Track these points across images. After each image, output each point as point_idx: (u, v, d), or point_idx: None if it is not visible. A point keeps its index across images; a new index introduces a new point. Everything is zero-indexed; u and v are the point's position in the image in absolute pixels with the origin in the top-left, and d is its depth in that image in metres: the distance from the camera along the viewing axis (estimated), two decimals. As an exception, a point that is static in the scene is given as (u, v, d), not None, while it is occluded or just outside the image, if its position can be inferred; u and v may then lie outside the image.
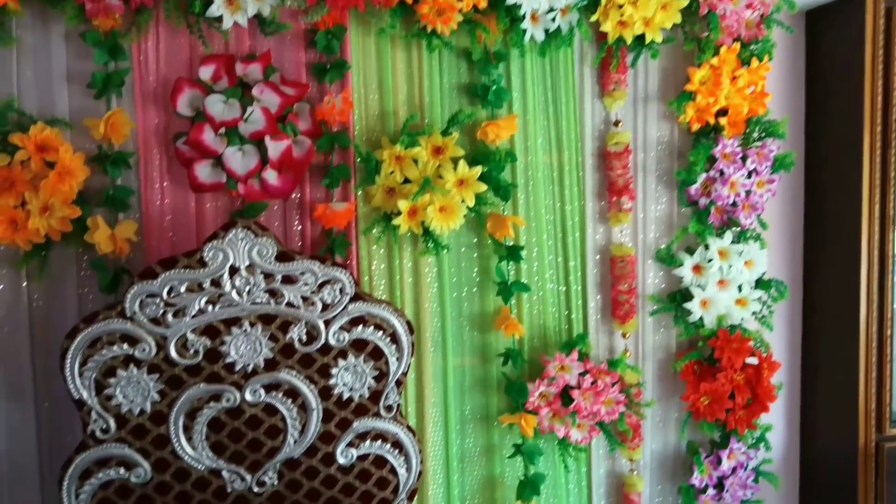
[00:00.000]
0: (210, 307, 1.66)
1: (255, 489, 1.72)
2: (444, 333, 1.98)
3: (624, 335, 2.10)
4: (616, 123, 2.04)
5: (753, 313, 2.09)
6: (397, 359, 1.75)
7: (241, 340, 1.67)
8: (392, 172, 1.84)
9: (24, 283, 1.78)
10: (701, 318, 2.06)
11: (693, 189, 2.04)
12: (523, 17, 1.86)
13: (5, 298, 1.78)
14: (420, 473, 1.82)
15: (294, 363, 1.70)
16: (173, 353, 1.65)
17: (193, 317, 1.65)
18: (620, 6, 1.88)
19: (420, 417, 1.98)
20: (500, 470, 2.06)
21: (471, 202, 1.86)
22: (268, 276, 1.67)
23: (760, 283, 2.09)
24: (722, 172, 2.01)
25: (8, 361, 1.79)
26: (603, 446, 2.11)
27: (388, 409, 1.76)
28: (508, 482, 2.06)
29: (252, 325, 1.67)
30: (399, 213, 1.83)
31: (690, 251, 2.07)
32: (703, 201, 2.04)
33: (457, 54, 1.94)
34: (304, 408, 1.71)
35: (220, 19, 1.74)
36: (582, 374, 1.96)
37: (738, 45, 1.98)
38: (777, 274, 2.17)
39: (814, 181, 2.21)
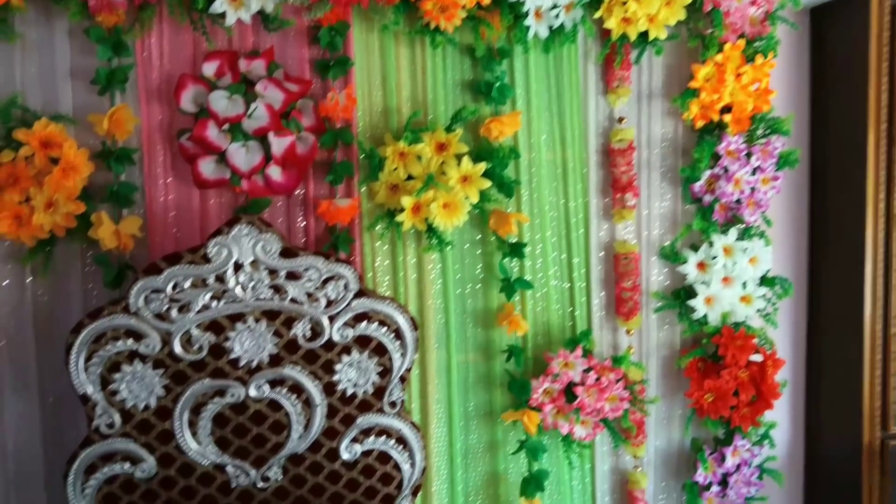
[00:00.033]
0: (214, 303, 1.66)
1: (260, 484, 1.72)
2: (447, 330, 1.98)
3: (628, 332, 2.09)
4: (620, 120, 2.04)
5: (758, 310, 2.08)
6: (401, 355, 1.75)
7: (246, 336, 1.68)
8: (395, 169, 1.84)
9: (29, 279, 1.79)
10: (705, 315, 2.06)
11: (697, 186, 2.03)
12: (527, 13, 1.86)
13: (10, 294, 1.78)
14: (424, 469, 1.82)
15: (298, 359, 1.70)
16: (178, 349, 1.65)
17: (198, 312, 1.65)
18: (624, 3, 1.88)
19: (424, 414, 1.98)
20: (504, 466, 2.06)
21: (474, 199, 1.86)
22: (272, 272, 1.67)
23: (765, 281, 2.09)
24: (726, 169, 2.01)
25: (13, 357, 1.79)
26: (607, 443, 2.11)
27: (392, 405, 1.77)
28: (512, 479, 2.06)
29: (256, 320, 1.68)
30: (403, 210, 1.83)
31: (695, 248, 2.07)
32: (707, 198, 2.04)
33: (460, 51, 1.94)
34: (308, 403, 1.71)
35: (223, 15, 1.74)
36: (586, 371, 1.96)
37: (742, 42, 1.97)
38: (781, 271, 2.17)
39: (818, 178, 2.21)
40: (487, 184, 1.86)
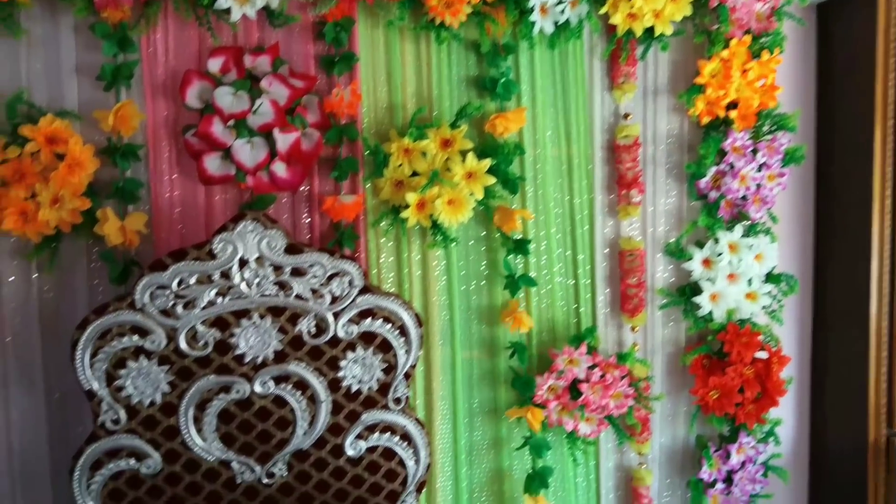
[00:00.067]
0: (220, 299, 1.66)
1: (265, 480, 1.73)
2: (452, 326, 1.98)
3: (633, 329, 2.09)
4: (625, 116, 2.03)
5: (763, 307, 2.08)
6: (406, 351, 1.75)
7: (251, 332, 1.68)
8: (400, 165, 1.84)
9: (35, 275, 1.79)
10: (710, 312, 2.06)
11: (703, 182, 2.03)
12: (532, 9, 1.85)
13: (16, 290, 1.79)
14: (429, 466, 1.82)
15: (303, 355, 1.70)
16: (183, 345, 1.66)
17: (203, 308, 1.65)
18: (630, -2, 1.88)
19: (428, 410, 1.98)
20: (509, 463, 2.06)
21: (479, 195, 1.85)
22: (277, 268, 1.67)
23: (770, 277, 2.08)
24: (732, 166, 2.00)
25: (19, 353, 1.80)
26: (611, 440, 2.11)
27: (397, 401, 1.77)
28: (517, 475, 2.06)
29: (261, 317, 1.68)
30: (407, 206, 1.83)
31: (700, 245, 2.06)
32: (712, 195, 2.03)
33: (465, 47, 1.94)
34: (313, 400, 1.72)
35: (228, 11, 1.74)
36: (591, 368, 1.96)
37: (748, 38, 1.96)
38: (787, 268, 2.16)
39: (824, 175, 2.20)
40: (492, 180, 1.86)
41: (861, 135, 2.04)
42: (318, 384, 1.71)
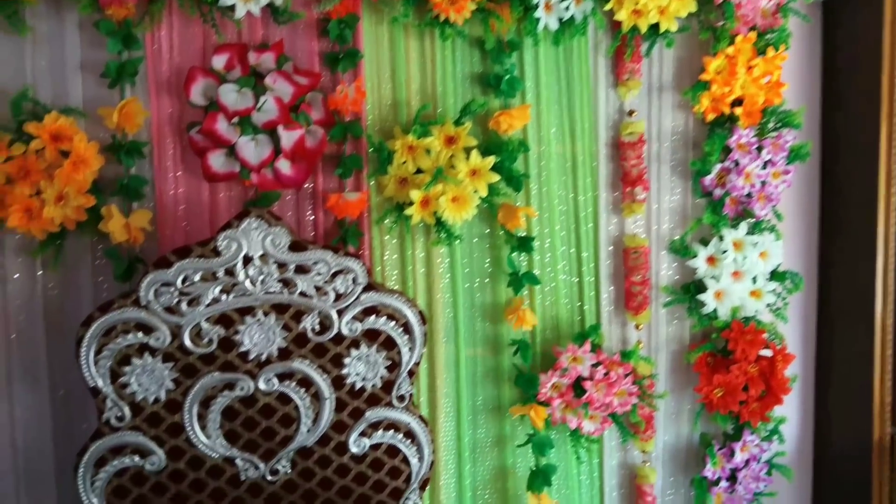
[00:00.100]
0: (224, 296, 1.66)
1: (269, 477, 1.73)
2: (456, 324, 1.98)
3: (637, 326, 2.09)
4: (630, 113, 2.03)
5: (768, 305, 2.07)
6: (410, 349, 1.75)
7: (255, 329, 1.68)
8: (404, 162, 1.84)
9: (39, 272, 1.79)
10: (715, 310, 2.05)
11: (708, 180, 2.02)
12: (537, 5, 1.85)
13: (21, 287, 1.79)
14: (432, 463, 1.82)
15: (307, 352, 1.71)
16: (188, 342, 1.66)
17: (207, 306, 1.65)
18: (635, -6, 1.87)
19: (432, 407, 1.98)
20: (512, 461, 2.06)
21: (483, 192, 1.85)
22: (281, 265, 1.67)
23: (775, 275, 2.08)
24: (737, 163, 2.00)
25: (23, 350, 1.80)
26: (615, 438, 2.11)
27: (401, 398, 1.77)
28: (520, 473, 2.06)
29: (266, 314, 1.68)
30: (411, 204, 1.83)
31: (705, 242, 2.06)
32: (717, 192, 2.03)
33: (470, 43, 1.93)
34: (317, 397, 1.72)
35: (232, 8, 1.73)
36: (594, 366, 1.96)
37: (753, 35, 1.96)
38: (792, 265, 2.15)
39: (830, 172, 2.19)
40: (496, 177, 1.85)
41: (866, 132, 2.03)
42: (322, 381, 1.71)
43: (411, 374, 1.76)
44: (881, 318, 2.04)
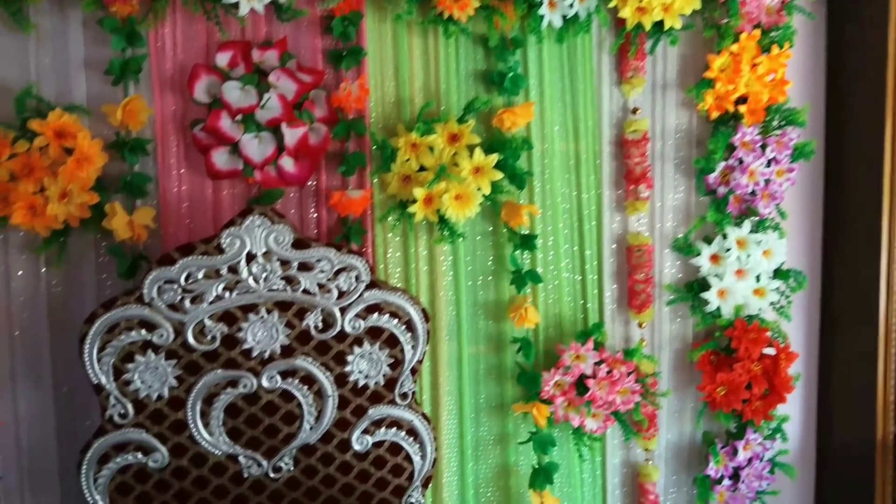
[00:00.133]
0: (227, 293, 1.66)
1: (272, 475, 1.73)
2: (459, 322, 1.98)
3: (640, 325, 2.09)
4: (634, 111, 2.02)
5: (771, 303, 2.07)
6: (412, 347, 1.75)
7: (258, 327, 1.68)
8: (408, 160, 1.84)
9: (43, 269, 1.80)
10: (718, 308, 2.05)
11: (711, 178, 2.02)
12: (541, 3, 1.84)
13: (24, 284, 1.79)
14: (435, 461, 1.82)
15: (310, 350, 1.71)
16: (191, 339, 1.66)
17: (211, 303, 1.66)
18: (639, -8, 1.86)
19: (435, 405, 1.98)
20: (515, 459, 2.06)
21: (486, 190, 1.85)
22: (284, 263, 1.67)
23: (779, 273, 2.07)
24: (741, 161, 1.99)
25: (27, 347, 1.81)
26: (618, 436, 2.10)
27: (404, 396, 1.77)
28: (523, 471, 2.06)
29: (269, 311, 1.68)
30: (415, 201, 1.82)
31: (708, 240, 2.05)
32: (721, 190, 2.02)
33: (473, 41, 1.93)
34: (319, 394, 1.72)
35: (236, 5, 1.74)
36: (597, 364, 1.95)
37: (758, 32, 1.95)
38: (796, 264, 2.15)
39: (834, 170, 2.19)
40: (499, 175, 1.85)
41: (871, 130, 2.02)
42: (325, 379, 1.71)
43: (414, 371, 1.76)
44: (885, 316, 2.03)
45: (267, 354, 1.69)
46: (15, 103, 1.70)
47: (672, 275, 2.12)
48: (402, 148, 1.83)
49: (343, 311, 1.70)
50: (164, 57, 1.79)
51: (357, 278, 1.70)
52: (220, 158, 1.77)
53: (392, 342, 1.74)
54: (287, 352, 1.70)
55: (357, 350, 1.72)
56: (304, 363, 1.70)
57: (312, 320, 1.70)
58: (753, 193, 2.01)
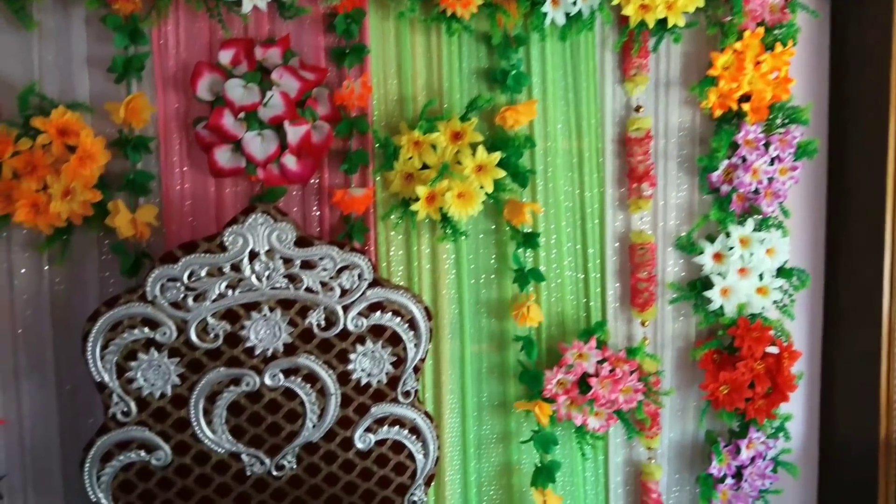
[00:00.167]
0: (230, 291, 1.66)
1: (275, 473, 1.73)
2: (461, 320, 1.98)
3: (643, 323, 2.08)
4: (637, 109, 2.02)
5: (774, 302, 2.07)
6: (415, 345, 1.75)
7: (261, 325, 1.68)
8: (410, 158, 1.84)
9: (46, 267, 1.80)
10: (721, 307, 2.05)
11: (715, 176, 2.01)
12: (544, 0, 1.84)
13: (27, 282, 1.79)
14: (437, 459, 1.82)
15: (313, 348, 1.71)
16: (194, 337, 1.66)
17: (214, 301, 1.65)
18: (642, -11, 1.86)
19: (437, 403, 1.98)
20: (517, 457, 2.06)
21: (489, 188, 1.85)
22: (287, 261, 1.67)
23: (782, 272, 2.07)
24: (744, 159, 1.99)
25: (30, 344, 1.81)
26: (620, 434, 2.10)
27: (406, 394, 1.77)
28: (525, 469, 2.06)
29: (271, 309, 1.68)
30: (417, 199, 1.82)
31: (711, 239, 2.05)
32: (724, 188, 2.02)
33: (476, 38, 1.93)
34: (322, 392, 1.72)
35: (239, 3, 1.73)
36: (600, 362, 1.95)
37: (761, 30, 1.95)
38: (799, 262, 2.14)
39: (837, 169, 2.18)
40: (502, 173, 1.85)
41: (875, 128, 2.02)
42: (328, 377, 1.71)
43: (417, 370, 1.76)
44: (888, 315, 2.03)
45: (270, 352, 1.69)
46: (18, 101, 1.70)
47: (675, 273, 2.11)
48: (404, 146, 1.83)
49: (346, 309, 1.70)
50: (166, 54, 1.79)
51: (360, 276, 1.70)
52: (223, 156, 1.77)
53: (395, 340, 1.74)
54: (290, 350, 1.70)
55: (360, 348, 1.72)
56: (307, 361, 1.70)
57: (315, 318, 1.70)
58: (757, 192, 2.01)
